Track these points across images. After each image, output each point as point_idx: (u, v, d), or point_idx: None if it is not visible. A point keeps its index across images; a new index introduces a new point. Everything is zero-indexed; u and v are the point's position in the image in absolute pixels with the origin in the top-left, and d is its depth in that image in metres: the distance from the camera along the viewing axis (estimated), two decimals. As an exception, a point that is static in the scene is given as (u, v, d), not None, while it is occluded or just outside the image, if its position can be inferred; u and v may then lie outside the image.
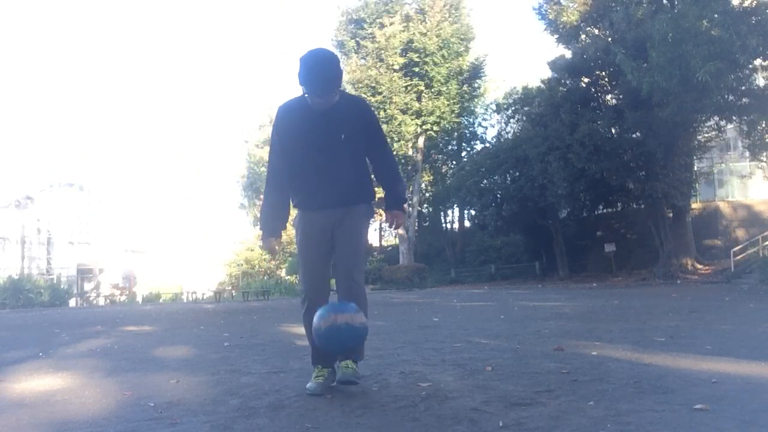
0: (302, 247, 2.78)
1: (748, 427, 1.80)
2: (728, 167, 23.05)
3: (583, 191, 19.33)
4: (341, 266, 2.72)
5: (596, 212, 24.12)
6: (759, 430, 1.78)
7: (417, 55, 28.05)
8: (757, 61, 14.69)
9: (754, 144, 16.18)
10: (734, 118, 16.54)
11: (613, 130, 18.95)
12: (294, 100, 2.75)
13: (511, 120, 27.37)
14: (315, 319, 2.52)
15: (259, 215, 3.00)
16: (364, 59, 28.69)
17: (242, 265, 39.94)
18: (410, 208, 28.63)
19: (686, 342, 3.87)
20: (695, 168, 20.17)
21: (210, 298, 28.04)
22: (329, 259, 2.78)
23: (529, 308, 8.52)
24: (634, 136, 18.48)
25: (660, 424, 1.85)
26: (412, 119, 27.91)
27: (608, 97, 20.55)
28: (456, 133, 32.51)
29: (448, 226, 37.52)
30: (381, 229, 38.35)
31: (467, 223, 34.92)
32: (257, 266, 39.26)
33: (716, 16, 13.48)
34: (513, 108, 26.52)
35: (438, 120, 28.40)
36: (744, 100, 15.30)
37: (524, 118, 24.06)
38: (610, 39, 18.24)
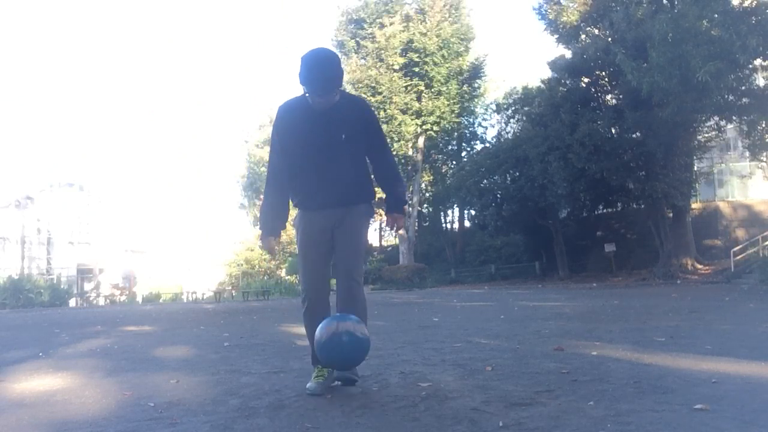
0: (302, 247, 2.79)
1: (748, 427, 1.80)
2: (728, 167, 23.05)
3: (583, 191, 19.33)
4: (341, 266, 2.72)
5: (596, 212, 24.12)
6: (759, 430, 1.78)
7: (417, 55, 28.06)
8: (757, 61, 14.69)
9: (754, 144, 16.18)
10: (734, 118, 16.54)
11: (613, 130, 18.96)
12: (294, 99, 2.75)
13: (511, 120, 27.37)
14: (317, 331, 2.52)
15: (258, 215, 3.00)
16: (364, 59, 28.70)
17: (242, 265, 39.95)
18: (410, 208, 28.64)
19: (686, 342, 3.87)
20: (695, 168, 20.17)
21: (210, 298, 28.04)
22: (329, 259, 2.79)
23: (529, 308, 8.52)
24: (634, 136, 18.48)
25: (660, 424, 1.85)
26: (412, 119, 27.92)
27: (608, 97, 20.55)
28: (456, 133, 32.51)
29: (448, 226, 37.54)
30: (381, 229, 38.37)
31: (467, 223, 34.94)
32: (257, 266, 39.26)
33: (716, 16, 13.48)
34: (513, 108, 26.52)
35: (438, 120, 28.40)
36: (744, 100, 15.30)
37: (524, 118, 24.06)
38: (610, 39, 18.24)
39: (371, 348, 3.12)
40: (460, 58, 29.30)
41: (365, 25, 29.12)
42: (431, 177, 34.37)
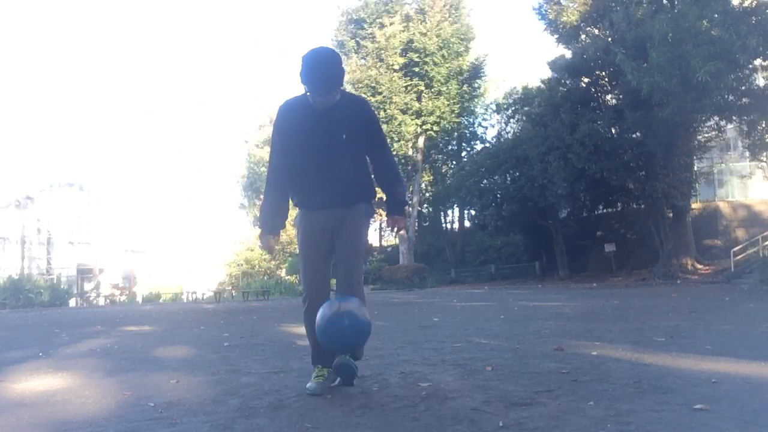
0: (303, 247, 2.79)
1: (748, 427, 1.80)
2: (728, 167, 23.05)
3: (583, 191, 19.33)
4: (341, 266, 2.72)
5: (596, 212, 24.11)
6: (759, 430, 1.78)
7: (417, 55, 28.06)
8: (757, 61, 14.69)
9: (754, 144, 16.18)
10: (734, 118, 16.54)
11: (613, 130, 18.96)
12: (295, 98, 2.75)
13: (511, 120, 27.37)
14: (318, 312, 2.52)
15: (258, 214, 3.01)
16: (364, 59, 28.70)
17: (242, 265, 39.94)
18: (410, 208, 28.64)
19: (686, 342, 3.87)
20: (695, 168, 20.17)
21: (210, 298, 28.04)
22: (329, 259, 2.79)
23: (529, 308, 8.52)
24: (634, 136, 18.49)
25: (660, 424, 1.85)
26: (412, 119, 27.92)
27: (608, 97, 20.55)
28: (456, 133, 32.51)
29: (448, 226, 37.54)
30: (381, 229, 38.36)
31: (467, 223, 34.93)
32: (257, 266, 39.25)
33: (716, 16, 13.48)
34: (513, 108, 26.52)
35: (438, 120, 28.40)
36: (744, 100, 15.30)
37: (524, 118, 24.06)
38: (610, 39, 18.24)
39: (371, 348, 3.13)
40: (460, 58, 29.30)
41: (365, 25, 29.12)
42: (431, 177, 34.37)
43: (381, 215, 23.76)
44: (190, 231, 45.75)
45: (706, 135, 18.75)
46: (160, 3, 74.24)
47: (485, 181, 23.65)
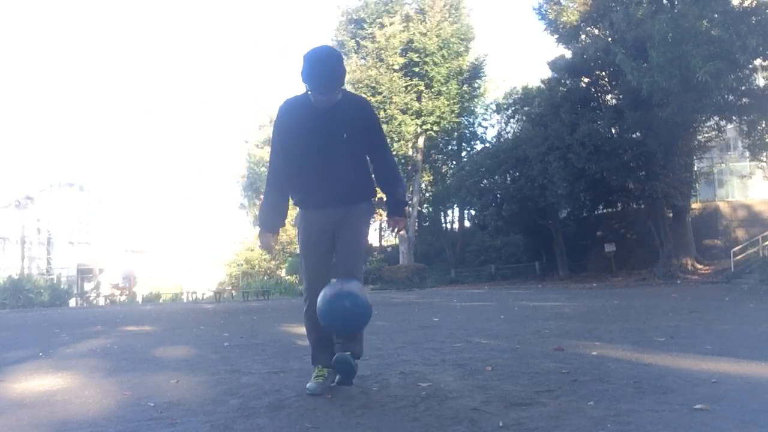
0: (303, 247, 2.79)
1: (748, 427, 1.80)
2: (728, 167, 23.05)
3: (583, 191, 19.33)
4: (342, 265, 2.72)
5: (596, 212, 24.11)
6: (759, 430, 1.78)
7: (417, 55, 28.06)
8: (757, 61, 14.69)
9: (754, 144, 16.18)
10: (734, 118, 16.54)
11: (613, 130, 18.96)
12: (296, 97, 2.74)
13: (511, 120, 27.38)
14: (320, 294, 2.52)
15: (258, 214, 3.01)
16: (364, 59, 28.70)
17: (242, 265, 39.93)
18: (410, 209, 28.65)
19: (686, 342, 3.87)
20: (695, 168, 20.17)
21: (210, 298, 28.04)
22: (330, 258, 2.78)
23: (529, 308, 8.52)
24: (634, 136, 18.49)
25: (660, 424, 1.85)
26: (412, 119, 27.92)
27: (608, 97, 20.55)
28: (456, 133, 32.51)
29: (448, 226, 37.53)
30: (381, 229, 38.36)
31: (467, 223, 34.93)
32: (257, 266, 39.25)
33: (716, 16, 13.48)
34: (513, 108, 26.52)
35: (438, 120, 28.40)
36: (744, 100, 15.30)
37: (524, 118, 24.07)
38: (610, 39, 18.24)
39: (371, 348, 3.13)
40: (460, 58, 29.30)
41: (365, 25, 29.12)
42: (431, 177, 34.37)
43: (381, 215, 23.78)
44: (190, 231, 45.80)
45: (706, 135, 18.75)
46: (160, 3, 74.27)
47: (485, 181, 23.65)
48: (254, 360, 3.90)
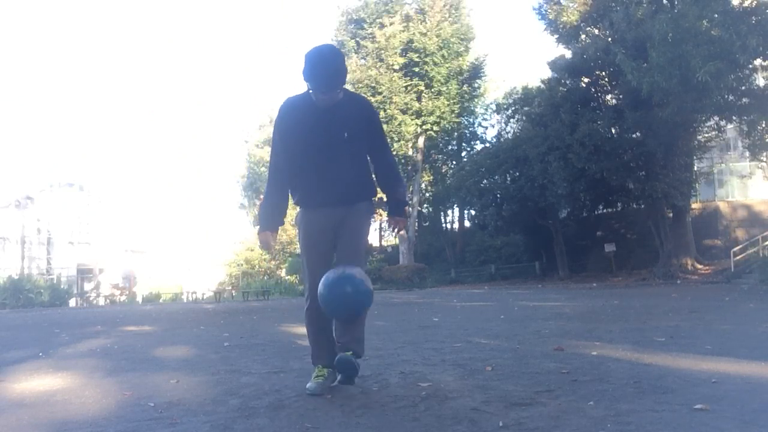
0: (304, 246, 2.79)
1: (748, 427, 1.80)
2: (728, 167, 23.05)
3: (583, 191, 19.33)
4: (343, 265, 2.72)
5: (596, 212, 24.12)
6: (759, 430, 1.78)
7: (417, 55, 28.06)
8: (757, 61, 14.69)
9: (754, 144, 16.18)
10: (734, 118, 16.54)
11: (613, 130, 18.96)
12: (297, 96, 2.75)
13: (511, 120, 27.37)
14: (322, 278, 2.53)
15: (258, 213, 3.01)
16: (364, 59, 28.70)
17: (242, 265, 39.92)
18: (410, 209, 28.64)
19: (686, 342, 3.87)
20: (695, 168, 20.17)
21: (210, 298, 28.04)
22: (331, 258, 2.78)
23: (529, 308, 8.52)
24: (634, 136, 18.49)
25: (660, 424, 1.85)
26: (412, 119, 27.92)
27: (608, 97, 20.55)
28: (456, 133, 32.51)
29: (448, 226, 37.52)
30: (381, 229, 38.36)
31: (467, 223, 34.93)
32: (257, 266, 39.23)
33: (716, 16, 13.48)
34: (513, 108, 26.52)
35: (438, 120, 28.40)
36: (744, 100, 15.30)
37: (524, 118, 24.07)
38: (610, 39, 18.25)
39: (371, 348, 3.13)
40: (460, 58, 29.30)
41: (365, 25, 29.12)
42: (431, 177, 34.37)
43: (381, 215, 23.78)
44: (190, 231, 45.80)
45: (706, 135, 18.75)
46: (160, 3, 74.27)
47: (485, 181, 23.65)
48: (254, 360, 3.89)
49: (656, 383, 2.51)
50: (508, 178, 22.80)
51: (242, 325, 7.60)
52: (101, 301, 30.33)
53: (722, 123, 17.71)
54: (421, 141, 29.63)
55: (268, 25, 76.23)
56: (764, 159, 17.33)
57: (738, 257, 16.93)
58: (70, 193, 38.50)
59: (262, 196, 3.08)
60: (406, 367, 3.30)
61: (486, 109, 34.88)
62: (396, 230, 2.99)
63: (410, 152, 29.95)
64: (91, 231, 39.01)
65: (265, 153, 33.56)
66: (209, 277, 39.26)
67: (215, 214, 67.12)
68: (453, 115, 29.14)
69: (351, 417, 2.16)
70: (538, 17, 21.87)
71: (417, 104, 28.22)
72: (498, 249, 28.89)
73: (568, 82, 20.54)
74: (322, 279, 2.53)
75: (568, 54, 20.88)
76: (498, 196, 23.07)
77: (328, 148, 2.67)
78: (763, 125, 15.67)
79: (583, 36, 20.63)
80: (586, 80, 20.23)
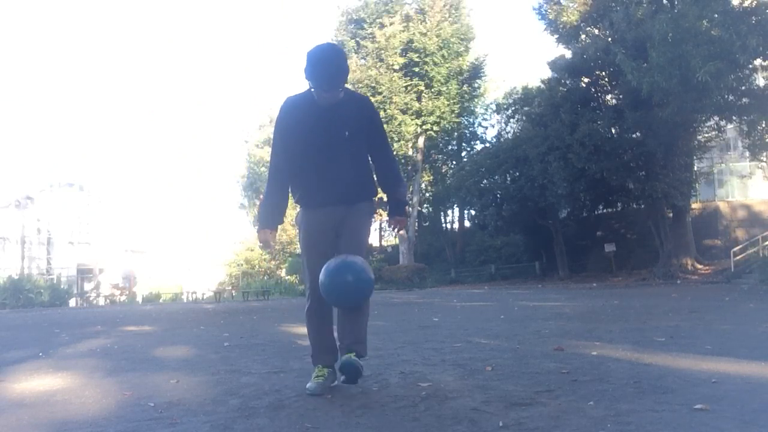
0: (305, 246, 2.78)
1: (748, 427, 1.80)
2: (728, 167, 23.06)
3: (583, 191, 19.33)
4: None
5: (596, 212, 24.12)
6: (759, 430, 1.78)
7: (417, 55, 28.06)
8: (757, 61, 14.69)
9: (754, 144, 16.18)
10: (734, 118, 16.54)
11: (613, 130, 18.96)
12: (298, 95, 2.75)
13: (511, 120, 27.38)
14: (324, 267, 2.54)
15: (257, 212, 3.01)
16: (364, 59, 28.70)
17: (242, 265, 39.93)
18: (410, 208, 28.64)
19: (686, 342, 3.87)
20: (695, 168, 20.18)
21: (210, 298, 28.04)
22: (331, 257, 2.78)
23: (529, 308, 8.52)
24: (634, 136, 18.49)
25: (660, 424, 1.85)
26: (412, 119, 27.92)
27: (608, 97, 20.55)
28: (456, 133, 32.51)
29: (448, 226, 37.53)
30: (381, 229, 38.36)
31: (467, 223, 34.92)
32: (257, 266, 39.24)
33: (716, 16, 13.48)
34: (513, 108, 26.52)
35: (438, 120, 28.40)
36: (744, 100, 15.30)
37: (524, 118, 24.07)
38: (610, 39, 18.25)
39: (371, 348, 3.12)
40: (460, 58, 29.29)
41: (365, 25, 29.11)
42: (431, 177, 34.37)
43: (381, 215, 23.78)
44: (190, 231, 45.81)
45: (706, 135, 18.75)
46: (160, 3, 74.26)
47: (485, 181, 23.65)
48: (254, 360, 3.89)
49: (656, 383, 2.51)
50: (508, 178, 22.79)
51: (242, 325, 7.60)
52: (101, 301, 30.33)
53: (722, 123, 17.71)
54: (421, 141, 29.63)
55: (268, 25, 76.28)
56: (764, 159, 17.33)
57: (738, 257, 16.94)
58: (70, 193, 38.50)
59: (262, 196, 3.08)
60: (406, 367, 3.30)
61: (486, 109, 34.90)
62: (396, 230, 3.00)
63: (410, 152, 29.95)
64: (91, 231, 39.02)
65: (265, 153, 33.58)
66: (209, 277, 39.28)
67: (215, 214, 67.21)
68: (453, 115, 29.14)
69: (351, 417, 2.16)
70: (538, 17, 21.89)
71: (417, 104, 28.22)
72: (498, 249, 28.88)
73: (568, 82, 20.54)
74: (324, 267, 2.53)
75: (568, 54, 20.88)
76: (498, 196, 23.07)
77: (328, 148, 2.67)
78: (763, 125, 15.67)
79: (583, 36, 20.63)
80: (586, 80, 20.23)
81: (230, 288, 33.92)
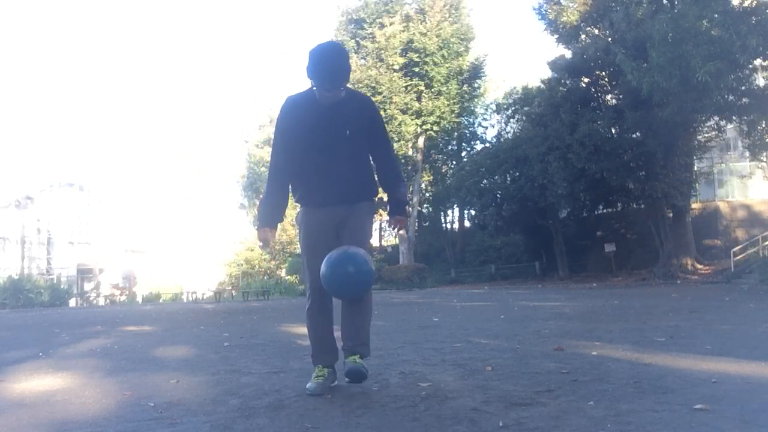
0: (305, 245, 2.78)
1: (748, 427, 1.80)
2: (728, 167, 23.06)
3: (583, 191, 19.33)
4: None
5: (596, 212, 24.12)
6: (759, 430, 1.78)
7: (417, 55, 28.06)
8: (757, 61, 14.69)
9: (754, 144, 16.18)
10: (734, 118, 16.55)
11: (613, 130, 18.96)
12: (300, 94, 2.75)
13: (511, 120, 27.38)
14: (325, 258, 2.54)
15: (257, 211, 3.01)
16: (364, 59, 28.69)
17: (242, 265, 39.93)
18: (410, 208, 28.63)
19: (686, 342, 3.87)
20: (695, 168, 20.18)
21: (210, 298, 28.04)
22: None
23: (529, 308, 8.52)
24: (634, 136, 18.49)
25: (660, 424, 1.85)
26: (412, 119, 27.92)
27: (608, 97, 20.56)
28: (456, 133, 32.51)
29: (448, 226, 37.53)
30: (381, 229, 38.37)
31: (467, 223, 34.93)
32: (257, 266, 39.24)
33: (716, 16, 13.48)
34: (513, 108, 26.53)
35: (438, 120, 28.40)
36: (744, 100, 15.30)
37: (524, 118, 24.07)
38: (610, 39, 18.25)
39: (371, 348, 3.12)
40: (460, 58, 29.29)
41: (365, 25, 29.11)
42: (431, 177, 34.38)
43: (381, 215, 23.78)
44: (190, 231, 45.82)
45: (706, 135, 18.75)
46: (160, 3, 74.26)
47: (485, 181, 23.65)
48: (254, 360, 3.89)
49: (656, 383, 2.51)
50: (508, 178, 22.79)
51: (242, 325, 7.60)
52: (101, 301, 30.33)
53: (722, 123, 17.71)
54: (421, 141, 29.63)
55: (268, 25, 76.28)
56: (764, 159, 17.34)
57: (738, 257, 16.94)
58: (70, 193, 38.50)
59: (262, 195, 3.09)
60: (406, 367, 3.30)
61: (486, 109, 34.91)
62: (396, 229, 3.00)
63: (410, 152, 29.95)
64: (91, 231, 39.02)
65: (265, 153, 33.58)
66: (209, 277, 39.28)
67: (215, 214, 67.23)
68: (453, 115, 29.14)
69: (351, 417, 2.16)
70: (538, 17, 21.89)
71: (417, 104, 28.22)
72: (498, 249, 28.88)
73: (568, 82, 20.54)
74: (325, 258, 2.53)
75: (568, 54, 20.88)
76: (498, 196, 23.07)
77: (329, 147, 2.66)
78: (763, 125, 15.67)
79: (583, 36, 20.63)
80: (586, 80, 20.24)
81: (230, 288, 33.92)
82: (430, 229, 36.28)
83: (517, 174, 21.92)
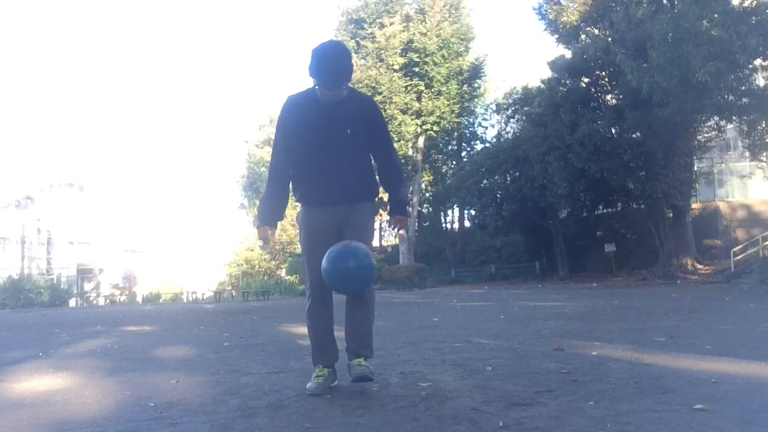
0: (305, 245, 2.78)
1: (748, 427, 1.80)
2: (728, 167, 23.06)
3: (583, 191, 19.33)
4: None
5: (596, 212, 24.12)
6: (759, 430, 1.78)
7: (417, 55, 28.06)
8: (757, 61, 14.69)
9: (754, 144, 16.19)
10: (734, 118, 16.55)
11: (613, 130, 18.96)
12: (301, 93, 2.75)
13: (511, 120, 27.39)
14: (326, 253, 2.53)
15: (257, 210, 3.01)
16: (364, 59, 28.69)
17: (242, 265, 39.92)
18: (410, 208, 28.63)
19: (686, 342, 3.87)
20: (695, 168, 20.18)
21: (210, 298, 28.04)
22: None
23: (529, 308, 8.52)
24: (634, 136, 18.49)
25: (660, 424, 1.85)
26: (412, 119, 27.92)
27: (608, 97, 20.56)
28: (456, 133, 32.52)
29: (448, 226, 37.52)
30: (381, 229, 38.36)
31: (467, 223, 34.93)
32: (257, 266, 39.24)
33: (716, 16, 13.48)
34: (513, 108, 26.53)
35: (438, 120, 28.40)
36: (744, 100, 15.30)
37: (524, 118, 24.08)
38: (610, 39, 18.25)
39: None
40: (460, 58, 29.29)
41: (365, 25, 29.11)
42: (431, 177, 34.37)
43: (381, 215, 23.79)
44: (190, 231, 45.82)
45: (706, 135, 18.76)
46: (160, 3, 74.27)
47: (485, 181, 23.65)
48: (254, 360, 3.89)
49: (656, 383, 2.51)
50: (508, 178, 22.80)
51: (242, 325, 7.60)
52: (101, 301, 30.33)
53: (722, 123, 17.72)
54: (421, 141, 29.63)
55: (268, 25, 76.27)
56: (764, 159, 17.34)
57: (738, 257, 16.94)
58: (70, 193, 38.50)
59: (262, 195, 3.09)
60: (406, 367, 3.30)
61: (486, 109, 34.92)
62: (396, 229, 2.99)
63: (410, 152, 29.95)
64: (91, 231, 39.02)
65: (265, 153, 33.59)
66: (209, 277, 39.28)
67: (215, 214, 67.23)
68: (453, 115, 29.14)
69: (351, 417, 2.15)
70: (538, 17, 21.89)
71: (417, 104, 28.22)
72: (498, 249, 28.88)
73: (568, 82, 20.55)
74: (326, 253, 2.53)
75: (568, 54, 20.89)
76: (498, 196, 23.07)
77: (329, 146, 2.66)
78: (763, 125, 15.67)
79: (583, 36, 20.63)
80: (586, 80, 20.24)
81: (230, 288, 33.92)
82: (430, 229, 36.28)
83: (517, 174, 21.92)
